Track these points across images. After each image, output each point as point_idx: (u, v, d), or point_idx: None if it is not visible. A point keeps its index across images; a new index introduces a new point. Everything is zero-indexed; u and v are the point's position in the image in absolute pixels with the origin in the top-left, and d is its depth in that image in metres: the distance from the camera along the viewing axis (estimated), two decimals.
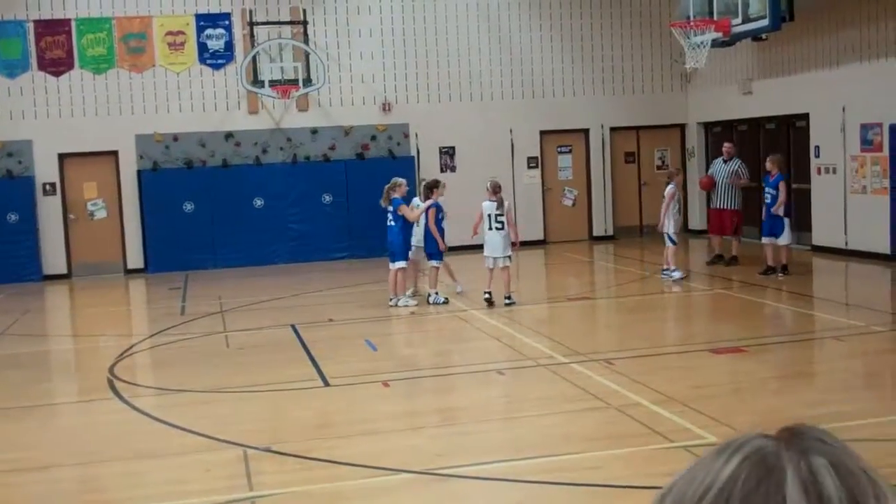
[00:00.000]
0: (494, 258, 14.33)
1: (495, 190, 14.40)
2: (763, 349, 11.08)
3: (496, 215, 14.29)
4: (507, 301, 14.27)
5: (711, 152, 22.05)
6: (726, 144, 18.07)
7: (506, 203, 14.41)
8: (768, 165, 16.33)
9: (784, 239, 15.96)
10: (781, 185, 15.80)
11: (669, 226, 16.19)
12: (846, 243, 18.10)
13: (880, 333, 11.54)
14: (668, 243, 16.27)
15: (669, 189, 16.37)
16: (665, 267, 16.43)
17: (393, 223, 14.75)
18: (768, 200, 16.08)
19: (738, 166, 17.45)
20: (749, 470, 1.05)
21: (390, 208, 14.76)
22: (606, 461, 7.39)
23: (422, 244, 14.94)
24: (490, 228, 14.36)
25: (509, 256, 14.41)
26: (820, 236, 18.91)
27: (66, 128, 20.61)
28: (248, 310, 15.54)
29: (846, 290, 16.05)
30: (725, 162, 17.62)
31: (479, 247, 14.94)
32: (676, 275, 16.17)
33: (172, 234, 20.77)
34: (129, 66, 20.87)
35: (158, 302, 17.35)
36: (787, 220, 16.04)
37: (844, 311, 13.51)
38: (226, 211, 21.02)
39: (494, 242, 14.32)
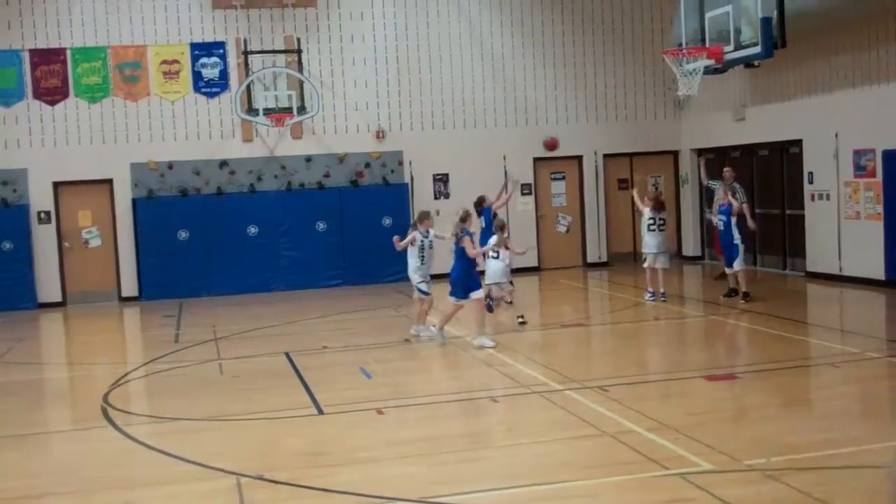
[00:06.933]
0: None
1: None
2: (757, 376, 11.08)
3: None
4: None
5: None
6: (726, 169, 18.15)
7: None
8: (721, 195, 16.97)
9: (737, 265, 16.29)
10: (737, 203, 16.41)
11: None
12: (840, 269, 18.14)
13: (875, 360, 11.54)
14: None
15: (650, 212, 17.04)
16: (662, 290, 17.07)
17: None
18: (721, 228, 16.54)
19: (737, 191, 17.57)
20: None
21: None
22: (602, 489, 7.37)
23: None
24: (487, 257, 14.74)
25: (507, 282, 14.95)
26: (814, 262, 18.94)
27: (61, 156, 20.67)
28: (243, 337, 15.52)
29: (841, 316, 16.05)
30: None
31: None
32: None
33: (167, 262, 20.79)
34: (124, 95, 20.95)
35: (153, 330, 17.32)
36: (741, 248, 16.33)
37: (839, 337, 13.51)
38: (220, 239, 21.05)
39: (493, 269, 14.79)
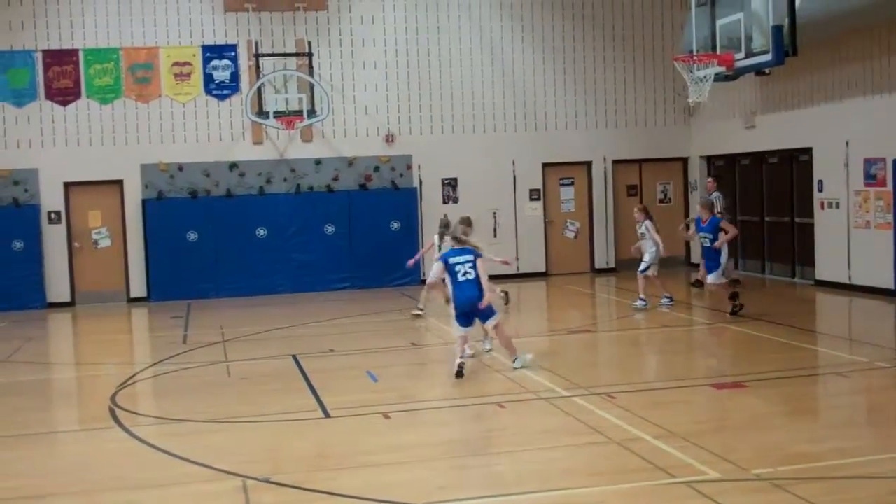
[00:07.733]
0: None
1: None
2: (765, 384, 11.05)
3: None
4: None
5: None
6: (709, 179, 19.65)
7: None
8: (699, 212, 16.48)
9: (712, 277, 15.79)
10: (723, 225, 15.82)
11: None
12: (849, 278, 18.09)
13: (884, 369, 11.50)
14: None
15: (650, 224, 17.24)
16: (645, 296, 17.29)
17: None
18: (706, 244, 15.95)
19: (714, 198, 18.08)
20: None
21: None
22: (608, 496, 7.36)
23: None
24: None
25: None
26: (823, 271, 18.90)
27: (72, 156, 20.74)
28: (250, 339, 15.54)
29: (850, 325, 16.02)
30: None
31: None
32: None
33: (176, 264, 20.84)
34: (136, 96, 21.02)
35: (161, 331, 17.34)
36: (723, 260, 15.83)
37: (848, 346, 13.48)
38: (229, 240, 21.09)
39: None
